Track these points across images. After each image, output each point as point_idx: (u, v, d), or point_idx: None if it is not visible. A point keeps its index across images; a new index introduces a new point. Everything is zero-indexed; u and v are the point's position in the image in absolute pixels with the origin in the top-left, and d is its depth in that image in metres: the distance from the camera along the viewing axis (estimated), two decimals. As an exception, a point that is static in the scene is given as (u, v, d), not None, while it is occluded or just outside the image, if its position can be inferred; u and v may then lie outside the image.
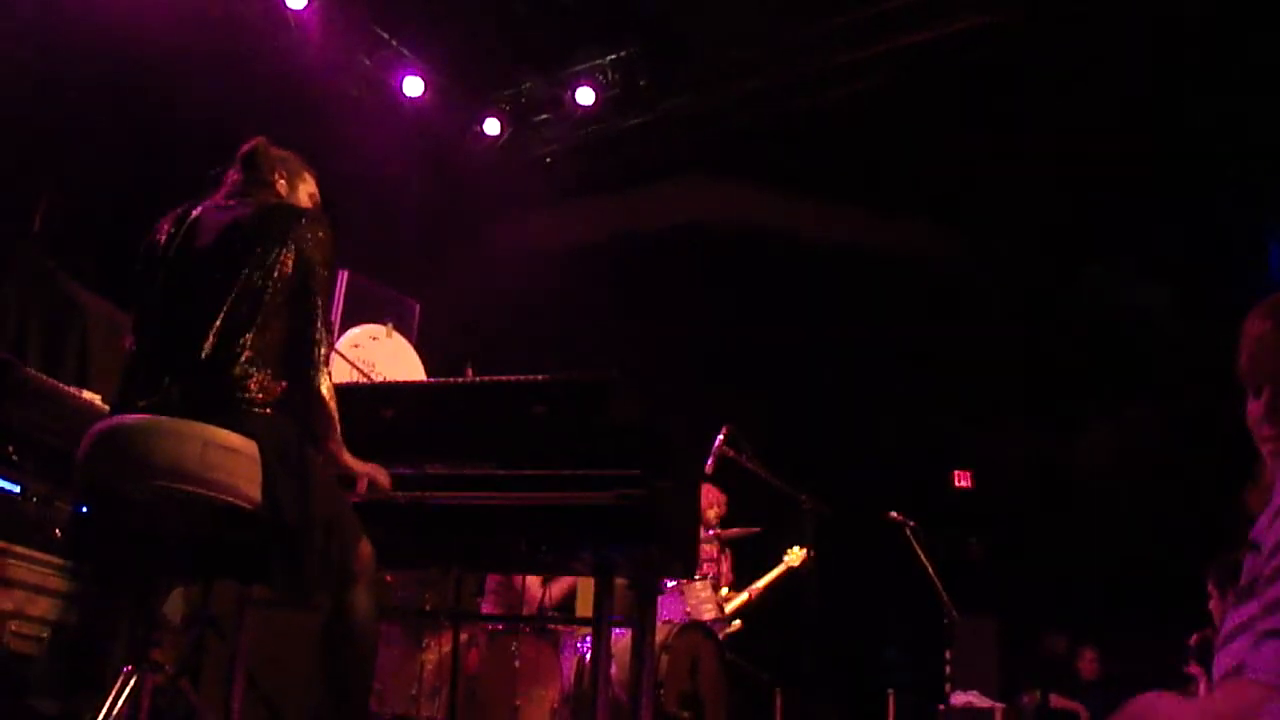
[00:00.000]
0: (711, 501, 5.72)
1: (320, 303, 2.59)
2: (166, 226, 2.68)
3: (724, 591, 5.69)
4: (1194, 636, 4.33)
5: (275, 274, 2.53)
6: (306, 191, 2.85)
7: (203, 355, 2.45)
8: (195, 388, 2.44)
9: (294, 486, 2.42)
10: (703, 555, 5.66)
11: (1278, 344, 1.63)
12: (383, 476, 2.81)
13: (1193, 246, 6.67)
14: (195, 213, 2.67)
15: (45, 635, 3.23)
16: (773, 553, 5.90)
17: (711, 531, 5.66)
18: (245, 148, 2.80)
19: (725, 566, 5.86)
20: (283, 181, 2.78)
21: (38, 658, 3.15)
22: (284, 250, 2.55)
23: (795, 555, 5.76)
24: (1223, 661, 1.53)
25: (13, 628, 3.16)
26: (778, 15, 6.41)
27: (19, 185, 4.11)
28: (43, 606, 3.25)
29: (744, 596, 5.73)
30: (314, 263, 2.58)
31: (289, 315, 2.55)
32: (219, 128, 3.90)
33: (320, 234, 2.62)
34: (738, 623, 5.64)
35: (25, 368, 3.55)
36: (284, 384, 2.53)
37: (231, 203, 2.69)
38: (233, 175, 2.76)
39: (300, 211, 2.68)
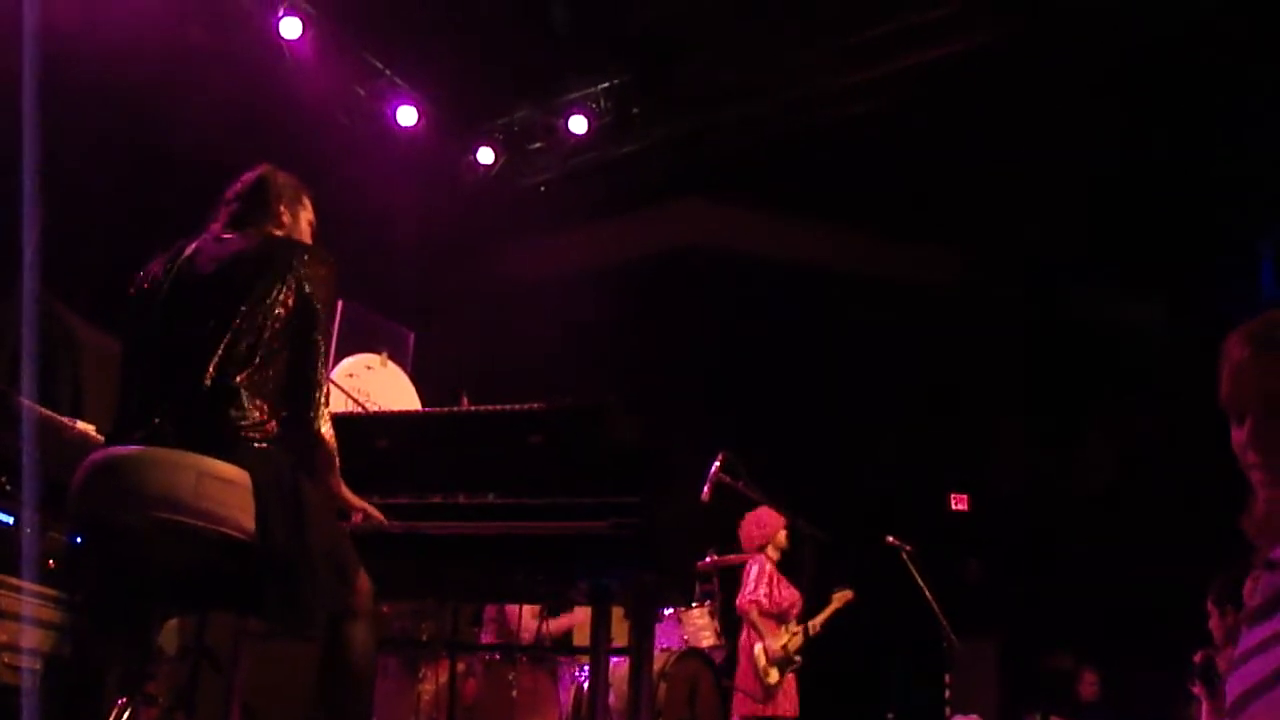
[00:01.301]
0: (779, 524, 5.68)
1: (321, 342, 2.54)
2: (164, 259, 2.63)
3: (793, 625, 5.65)
4: (1198, 655, 4.30)
5: (276, 310, 2.48)
6: (306, 219, 2.80)
7: (199, 388, 2.42)
8: (191, 420, 2.41)
9: (288, 518, 2.40)
10: (774, 580, 5.63)
11: (1257, 371, 1.63)
12: (376, 515, 2.79)
13: (1185, 261, 6.70)
14: (193, 245, 2.63)
15: (38, 668, 3.20)
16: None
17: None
18: (252, 176, 2.74)
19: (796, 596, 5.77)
20: (285, 211, 2.73)
21: (30, 691, 3.12)
22: (285, 286, 2.50)
23: (841, 596, 5.76)
24: (1237, 682, 1.49)
25: (5, 660, 3.13)
26: (768, 41, 6.45)
27: (12, 214, 4.10)
28: (36, 638, 3.22)
29: (802, 633, 5.66)
30: (316, 300, 2.53)
31: (289, 352, 2.50)
32: (213, 156, 3.90)
33: (323, 270, 2.57)
34: (799, 659, 5.61)
35: (19, 398, 3.53)
36: (280, 418, 2.49)
37: (231, 235, 2.63)
38: (234, 202, 2.71)
39: (303, 247, 2.64)
